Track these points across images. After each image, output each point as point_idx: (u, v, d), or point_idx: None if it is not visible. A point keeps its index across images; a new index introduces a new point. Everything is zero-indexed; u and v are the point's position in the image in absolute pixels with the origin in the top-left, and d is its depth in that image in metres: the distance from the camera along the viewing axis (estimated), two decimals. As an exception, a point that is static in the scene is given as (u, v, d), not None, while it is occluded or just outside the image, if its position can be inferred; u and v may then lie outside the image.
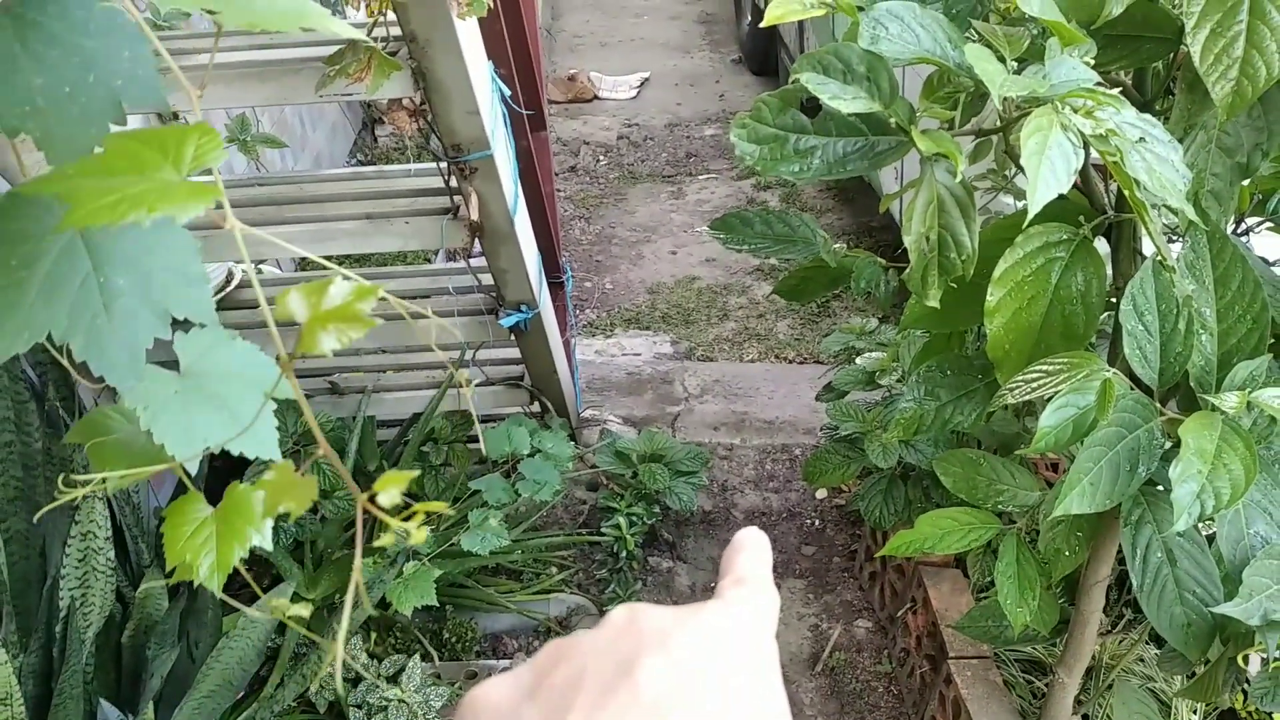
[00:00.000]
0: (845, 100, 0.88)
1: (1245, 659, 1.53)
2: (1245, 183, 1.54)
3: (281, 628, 2.11)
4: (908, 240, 0.93)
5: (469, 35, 1.57)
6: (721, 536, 2.95)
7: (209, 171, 0.60)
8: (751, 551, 0.43)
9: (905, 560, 2.50)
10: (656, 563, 2.82)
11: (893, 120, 0.90)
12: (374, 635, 2.36)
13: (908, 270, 0.95)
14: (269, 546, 1.04)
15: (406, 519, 0.55)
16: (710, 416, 3.42)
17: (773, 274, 4.27)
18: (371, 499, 0.52)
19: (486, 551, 2.13)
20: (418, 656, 2.14)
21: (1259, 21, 1.03)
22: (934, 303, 0.96)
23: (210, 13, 0.59)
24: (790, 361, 3.79)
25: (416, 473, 0.60)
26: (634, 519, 2.65)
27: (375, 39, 1.47)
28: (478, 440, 2.63)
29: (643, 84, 6.18)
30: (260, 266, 2.89)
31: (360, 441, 2.51)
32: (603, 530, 2.62)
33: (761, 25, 0.99)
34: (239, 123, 2.37)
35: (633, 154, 5.40)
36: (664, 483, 2.71)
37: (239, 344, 0.87)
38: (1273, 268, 1.55)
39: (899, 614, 2.50)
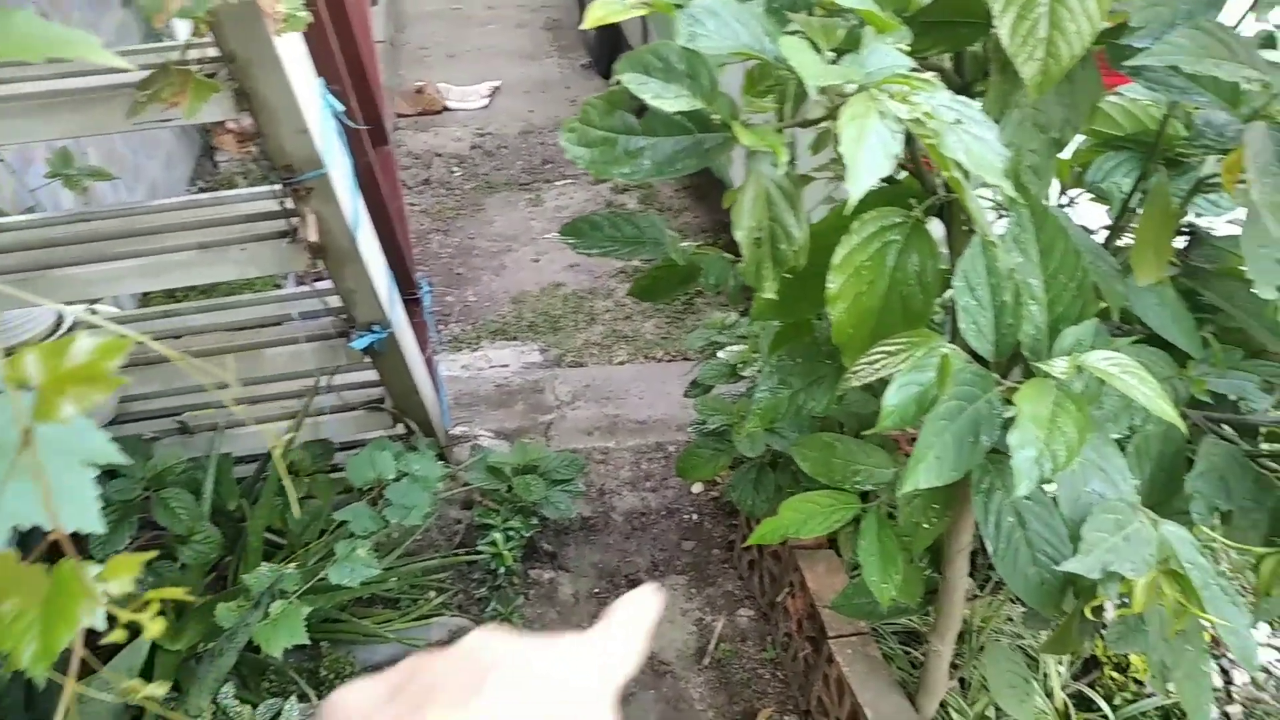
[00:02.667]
0: (667, 99, 0.88)
1: (1102, 609, 1.61)
2: (1065, 156, 1.63)
3: (147, 676, 1.99)
4: (738, 235, 0.93)
5: (293, 52, 1.51)
6: (602, 541, 2.94)
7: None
8: (637, 606, 0.46)
9: (781, 545, 2.54)
10: (538, 575, 2.79)
11: (716, 117, 0.90)
12: (248, 679, 2.25)
13: (742, 264, 0.96)
14: (102, 626, 0.97)
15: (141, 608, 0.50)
16: (583, 422, 3.41)
17: (637, 275, 4.28)
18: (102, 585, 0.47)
19: (357, 583, 2.06)
20: (294, 698, 2.05)
21: (1059, 5, 1.08)
22: (771, 295, 0.97)
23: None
24: (659, 360, 3.81)
25: (151, 554, 0.56)
26: (511, 533, 2.61)
27: (193, 60, 1.40)
28: (342, 468, 2.55)
29: (493, 93, 6.12)
30: (95, 306, 2.73)
31: (217, 481, 2.40)
32: (479, 548, 2.57)
33: (582, 28, 0.98)
34: (60, 157, 2.23)
35: (487, 163, 5.34)
36: (540, 493, 2.68)
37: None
38: (1094, 235, 1.64)
39: (779, 599, 2.54)
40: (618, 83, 0.91)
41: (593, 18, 0.99)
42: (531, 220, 4.78)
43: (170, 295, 3.69)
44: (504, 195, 5.03)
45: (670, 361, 3.78)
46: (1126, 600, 1.22)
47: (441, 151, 5.44)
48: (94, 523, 0.81)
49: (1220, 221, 1.70)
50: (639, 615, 0.46)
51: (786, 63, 0.86)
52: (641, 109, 1.02)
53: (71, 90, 1.44)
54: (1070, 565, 1.06)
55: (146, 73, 1.32)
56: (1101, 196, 1.63)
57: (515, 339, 3.91)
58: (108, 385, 0.42)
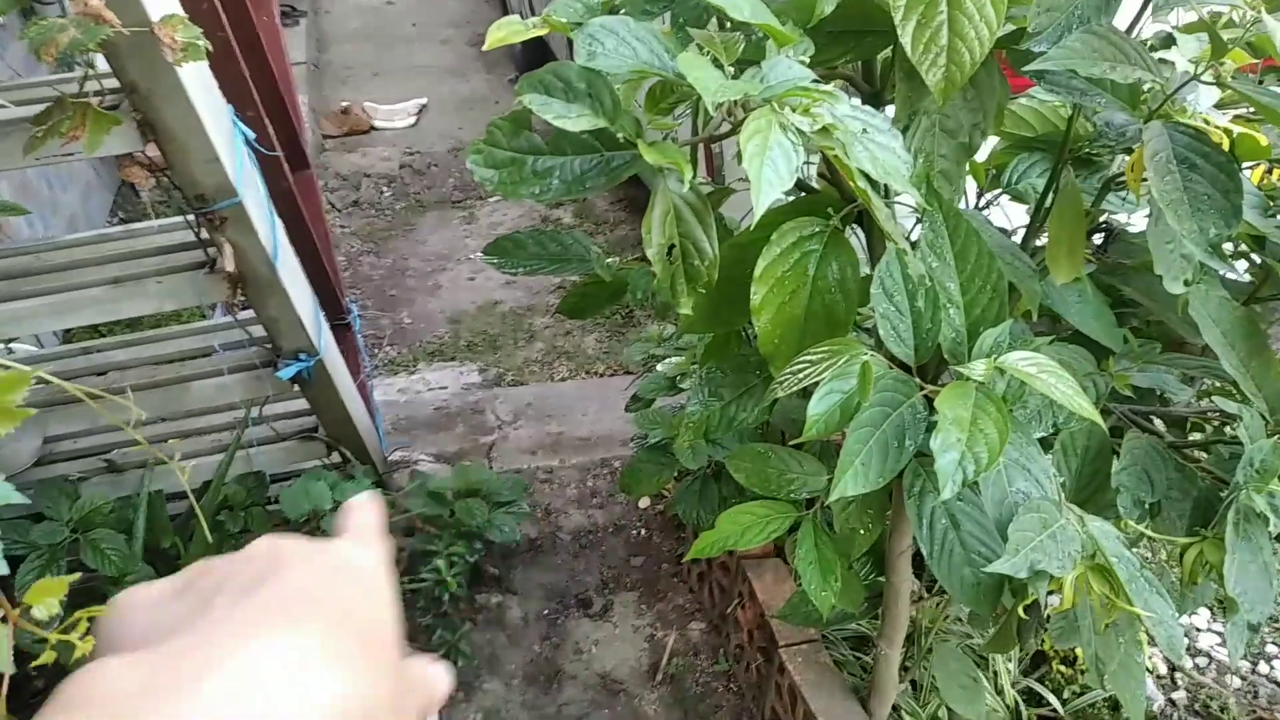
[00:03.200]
0: (570, 119, 0.86)
1: (1041, 605, 1.63)
2: (981, 159, 1.65)
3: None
4: (650, 252, 0.92)
5: (198, 81, 1.48)
6: (550, 561, 2.91)
7: None
8: (362, 512, 0.47)
9: (729, 557, 2.54)
10: (485, 599, 2.75)
11: (620, 135, 0.89)
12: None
13: (656, 280, 0.95)
14: (9, 670, 0.93)
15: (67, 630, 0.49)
16: (526, 441, 3.38)
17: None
18: (25, 612, 0.46)
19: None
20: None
21: (958, 12, 1.09)
22: (688, 310, 0.96)
23: None
24: (601, 376, 3.79)
25: (75, 576, 0.54)
26: (455, 559, 2.57)
27: (92, 93, 1.36)
28: (278, 501, 2.49)
29: (421, 111, 6.07)
30: (10, 345, 2.64)
31: (149, 519, 2.33)
32: (422, 575, 2.53)
33: (485, 49, 0.97)
34: (-34, 193, 2.16)
35: (418, 182, 5.29)
36: (483, 517, 2.65)
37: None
38: (1014, 235, 1.66)
39: (729, 611, 2.54)
40: (519, 102, 0.89)
41: (493, 39, 0.98)
42: (466, 238, 4.74)
43: (95, 330, 3.59)
44: (436, 214, 4.98)
45: (613, 376, 3.77)
46: (1056, 608, 1.23)
47: (370, 172, 5.38)
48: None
49: (1138, 218, 1.74)
50: (373, 518, 0.47)
51: (685, 79, 0.85)
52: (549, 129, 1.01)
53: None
54: (998, 566, 1.06)
55: (43, 106, 1.28)
56: (1019, 197, 1.65)
57: (453, 359, 3.87)
58: (11, 418, 0.41)
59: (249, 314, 2.04)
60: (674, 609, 2.75)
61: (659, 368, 2.63)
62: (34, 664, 0.43)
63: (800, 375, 1.15)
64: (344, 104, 5.85)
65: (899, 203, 1.50)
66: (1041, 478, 1.17)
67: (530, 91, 0.87)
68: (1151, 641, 2.47)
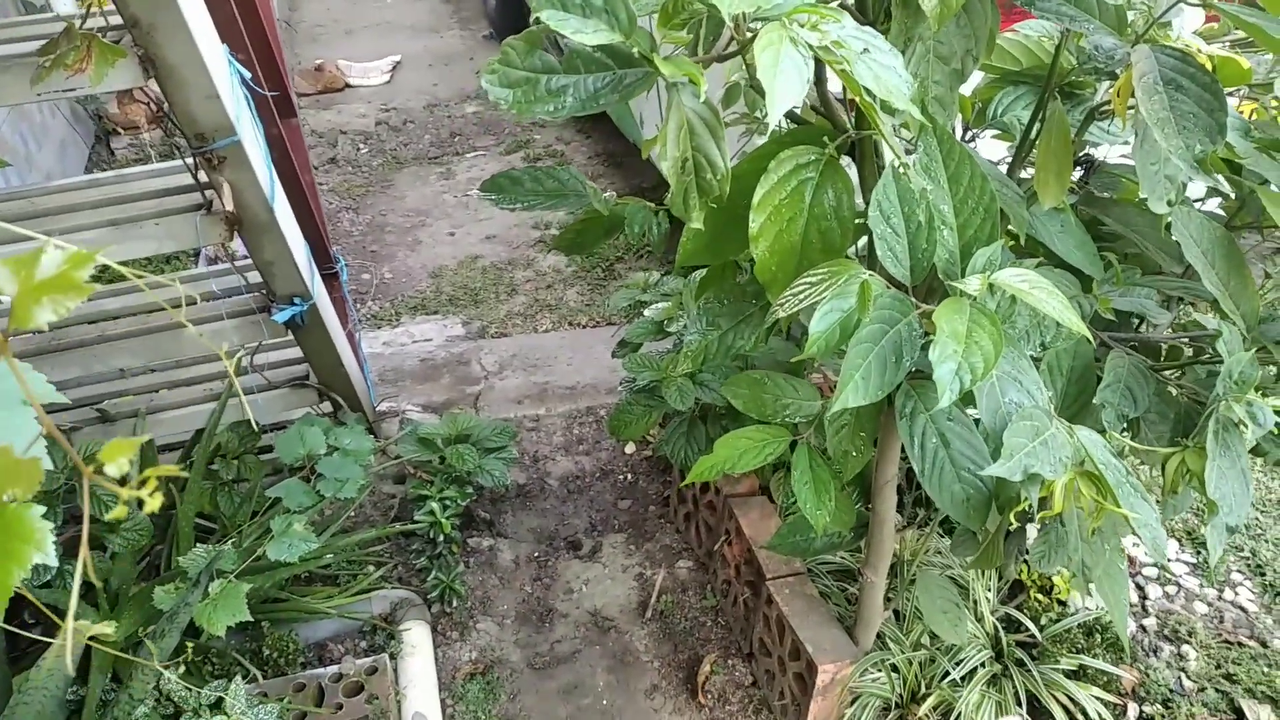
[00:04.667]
0: (587, 34, 0.89)
1: (1024, 530, 1.69)
2: (966, 92, 1.69)
3: (83, 676, 1.96)
4: (664, 166, 0.95)
5: (197, 16, 1.48)
6: (539, 506, 2.96)
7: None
8: None
9: (715, 495, 2.60)
10: (477, 543, 2.80)
11: (635, 50, 0.92)
12: (191, 663, 2.22)
13: (669, 194, 0.98)
14: (53, 562, 0.96)
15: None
16: (512, 391, 3.41)
17: (555, 237, 4.28)
18: (98, 471, 0.49)
19: (296, 558, 2.05)
20: (239, 678, 2.03)
21: (953, -64, 1.12)
22: (698, 224, 1.00)
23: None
24: (584, 327, 3.83)
25: (146, 438, 0.57)
26: (447, 502, 2.61)
27: (93, 29, 1.36)
28: (271, 450, 2.52)
29: (395, 68, 6.02)
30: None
31: (141, 468, 2.35)
32: (416, 519, 2.57)
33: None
34: (-54, 144, 2.14)
35: (394, 139, 5.26)
36: (474, 462, 2.69)
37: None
38: (997, 166, 1.71)
39: (716, 548, 2.60)
40: (536, 20, 0.92)
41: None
42: (444, 194, 4.74)
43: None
44: (413, 170, 4.97)
45: (595, 327, 3.80)
46: (1046, 513, 1.29)
47: (346, 129, 5.35)
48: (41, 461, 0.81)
49: (1113, 153, 1.78)
50: None
51: (701, -6, 0.88)
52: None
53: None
54: (994, 469, 1.11)
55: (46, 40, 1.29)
56: (1004, 131, 1.69)
57: (436, 313, 3.88)
58: (79, 292, 0.44)
59: (245, 263, 2.06)
60: (661, 549, 2.81)
61: (646, 313, 2.67)
62: (107, 517, 0.46)
63: (801, 296, 1.19)
64: (318, 62, 5.79)
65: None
66: (1033, 389, 1.22)
67: (548, 8, 0.90)
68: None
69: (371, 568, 2.59)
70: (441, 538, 2.55)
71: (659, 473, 3.07)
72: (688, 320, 2.36)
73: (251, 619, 1.99)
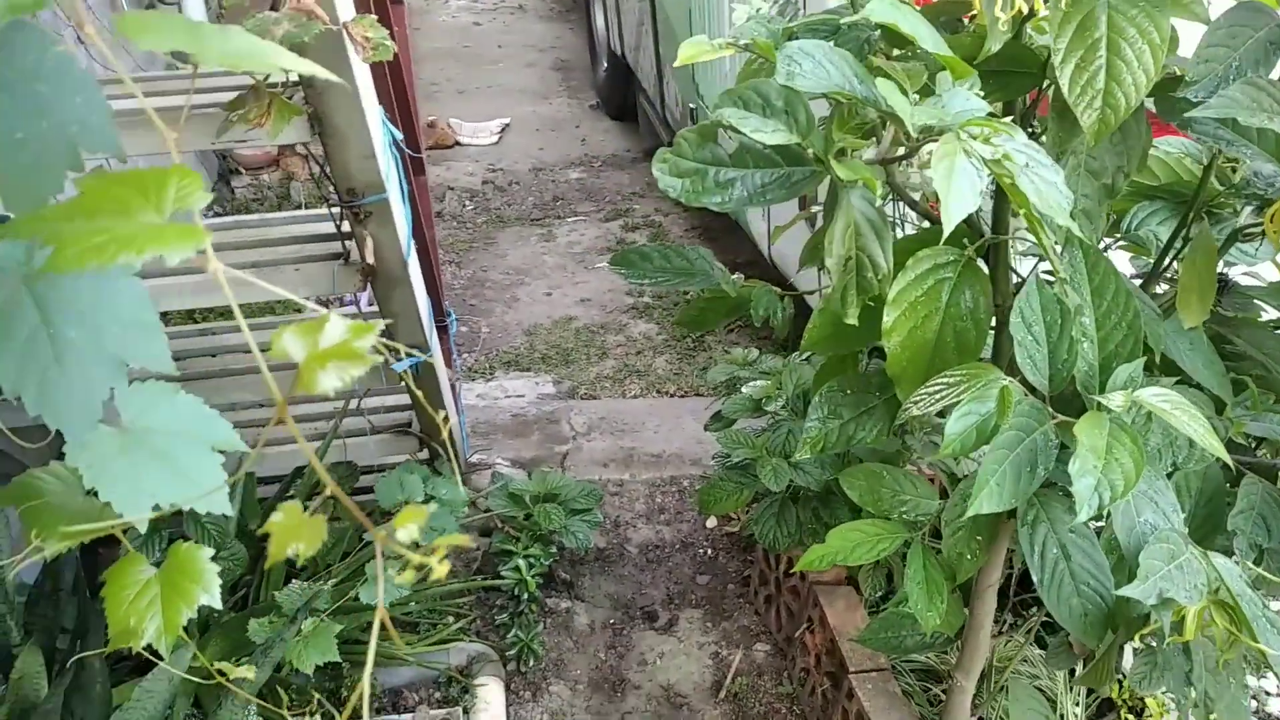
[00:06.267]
0: (766, 133, 0.93)
1: (1122, 650, 1.65)
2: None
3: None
4: (829, 262, 0.98)
5: (364, 80, 1.57)
6: (617, 572, 2.96)
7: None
8: None
9: (799, 581, 2.57)
10: (555, 604, 2.81)
11: (810, 150, 0.95)
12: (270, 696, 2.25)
13: (829, 290, 1.00)
14: (218, 605, 1.00)
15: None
16: (599, 453, 3.44)
17: (647, 312, 4.34)
18: (391, 534, 0.52)
19: (389, 603, 2.08)
20: (318, 717, 2.06)
21: (1116, 57, 1.14)
22: (853, 320, 1.02)
23: (180, 56, 0.58)
24: (671, 396, 3.85)
25: (433, 507, 0.60)
26: (532, 561, 2.63)
27: (273, 85, 1.45)
28: (366, 491, 2.57)
29: (503, 130, 6.21)
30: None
31: (241, 500, 2.42)
32: (502, 574, 2.59)
33: (675, 65, 1.04)
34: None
35: (499, 198, 5.41)
36: (559, 522, 2.71)
37: (182, 397, 0.85)
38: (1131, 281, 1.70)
39: (796, 634, 2.57)
40: (715, 117, 0.96)
41: (684, 56, 1.05)
42: (544, 255, 4.84)
43: (190, 316, 3.72)
44: (516, 230, 5.09)
45: (683, 397, 3.82)
46: (1175, 638, 1.25)
47: (454, 185, 5.52)
48: (225, 506, 0.85)
49: (1238, 272, 1.76)
50: None
51: (878, 102, 0.91)
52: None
53: (161, 109, 1.48)
54: (1129, 590, 1.09)
55: (232, 94, 1.37)
56: (1135, 244, 1.69)
57: (529, 370, 3.95)
58: (361, 361, 0.47)
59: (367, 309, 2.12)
60: (739, 629, 2.78)
61: (744, 389, 2.68)
62: (397, 581, 0.49)
63: (937, 396, 1.19)
64: (430, 118, 6.00)
65: (1022, 238, 1.55)
66: (1168, 510, 1.20)
67: (731, 106, 0.94)
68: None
69: (451, 619, 2.61)
70: (526, 595, 2.56)
71: (740, 550, 3.05)
72: (788, 407, 2.37)
73: (339, 659, 2.02)
